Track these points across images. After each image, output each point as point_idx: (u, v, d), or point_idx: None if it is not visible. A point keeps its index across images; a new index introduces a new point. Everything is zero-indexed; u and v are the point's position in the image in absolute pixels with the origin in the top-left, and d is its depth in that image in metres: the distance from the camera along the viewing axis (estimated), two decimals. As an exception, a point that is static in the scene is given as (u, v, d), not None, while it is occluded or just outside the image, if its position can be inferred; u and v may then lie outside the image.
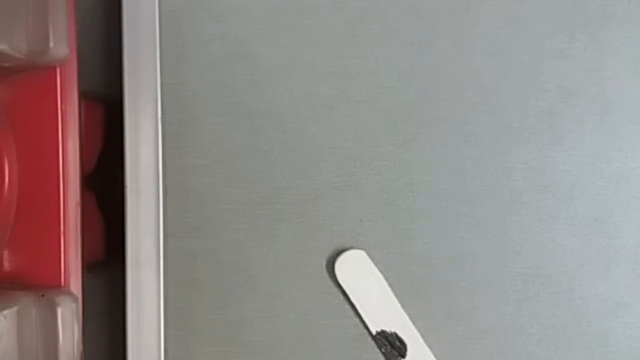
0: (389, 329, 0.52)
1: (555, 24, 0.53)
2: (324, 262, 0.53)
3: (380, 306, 0.52)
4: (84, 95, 0.52)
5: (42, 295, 0.48)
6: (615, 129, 0.52)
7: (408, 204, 0.53)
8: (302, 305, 0.53)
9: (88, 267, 0.52)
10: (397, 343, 0.51)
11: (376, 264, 0.52)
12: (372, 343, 0.52)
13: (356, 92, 0.53)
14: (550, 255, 0.53)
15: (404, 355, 0.52)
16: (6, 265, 0.50)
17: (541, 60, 0.53)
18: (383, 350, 0.52)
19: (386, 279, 0.52)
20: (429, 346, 0.52)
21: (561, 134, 0.53)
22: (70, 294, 0.49)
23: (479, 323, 0.53)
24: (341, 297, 0.53)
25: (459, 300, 0.53)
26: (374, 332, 0.52)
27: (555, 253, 0.53)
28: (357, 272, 0.52)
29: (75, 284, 0.50)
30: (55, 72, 0.49)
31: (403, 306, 0.52)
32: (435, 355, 0.52)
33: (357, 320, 0.53)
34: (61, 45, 0.48)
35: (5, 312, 0.45)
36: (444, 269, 0.53)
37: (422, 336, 0.52)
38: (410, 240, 0.53)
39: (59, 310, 0.47)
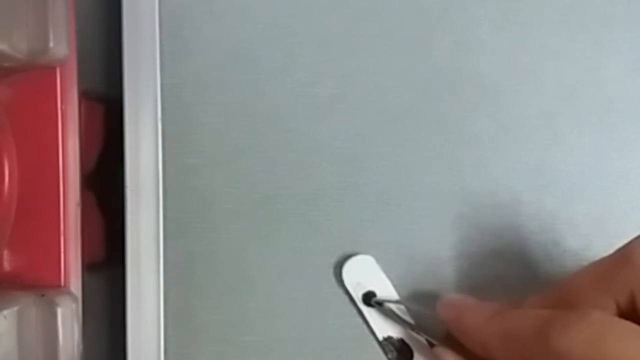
0: (395, 335, 0.52)
1: (555, 24, 0.53)
2: (324, 262, 0.53)
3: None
4: (84, 95, 0.52)
5: (42, 295, 0.48)
6: (615, 129, 0.53)
7: (408, 204, 0.53)
8: (302, 305, 0.53)
9: (88, 267, 0.52)
10: (404, 349, 0.51)
11: (376, 264, 0.52)
12: (372, 343, 0.52)
13: (356, 92, 0.53)
14: (550, 255, 0.53)
15: None
16: (6, 265, 0.50)
17: (541, 60, 0.53)
18: (390, 356, 0.51)
19: (386, 279, 0.52)
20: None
21: (561, 134, 0.53)
22: (70, 294, 0.49)
23: (479, 323, 0.53)
24: (341, 297, 0.53)
25: (459, 300, 0.53)
26: (380, 338, 0.52)
27: (555, 253, 0.53)
28: (364, 277, 0.52)
29: (75, 284, 0.50)
30: (55, 72, 0.49)
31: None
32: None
33: (357, 320, 0.53)
34: (61, 45, 0.48)
35: (5, 312, 0.45)
36: (444, 269, 0.53)
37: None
38: (410, 240, 0.53)
39: (59, 310, 0.47)
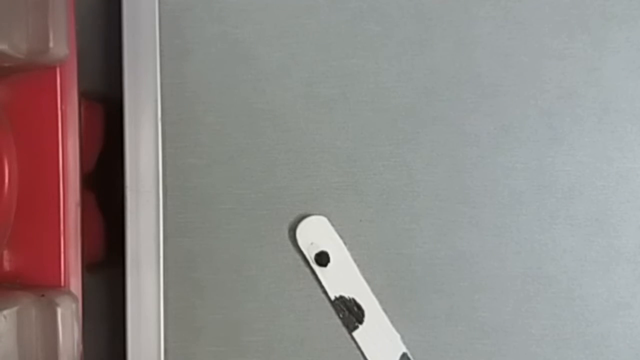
0: (347, 294, 0.52)
1: (555, 24, 0.53)
2: (324, 262, 0.53)
3: (339, 272, 0.52)
4: (84, 95, 0.52)
5: (42, 295, 0.48)
6: (615, 129, 0.52)
7: (408, 204, 0.53)
8: (301, 305, 0.53)
9: (88, 267, 0.52)
10: (355, 309, 0.51)
11: (376, 264, 0.52)
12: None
13: (356, 92, 0.53)
14: (550, 255, 0.53)
15: (361, 322, 0.52)
16: (6, 265, 0.50)
17: (541, 60, 0.53)
18: (341, 315, 0.52)
19: (386, 279, 0.52)
20: (430, 345, 0.52)
21: (561, 134, 0.53)
22: (70, 294, 0.49)
23: (479, 323, 0.53)
24: (341, 297, 0.53)
25: (459, 300, 0.53)
26: (332, 298, 0.52)
27: (555, 253, 0.53)
28: (318, 237, 0.52)
29: (75, 284, 0.50)
30: (55, 72, 0.49)
31: (402, 306, 0.52)
32: (437, 354, 0.52)
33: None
34: (61, 45, 0.48)
35: (5, 312, 0.45)
36: (444, 269, 0.53)
37: (423, 334, 0.52)
38: (410, 240, 0.53)
39: (59, 310, 0.47)
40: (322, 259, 0.51)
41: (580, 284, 0.52)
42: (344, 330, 0.53)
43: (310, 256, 0.52)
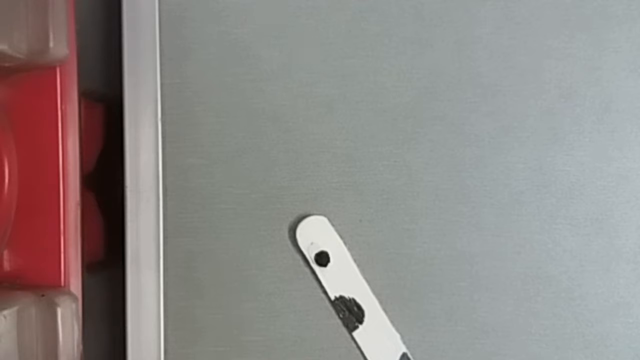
0: (347, 294, 0.52)
1: (555, 24, 0.53)
2: (324, 262, 0.53)
3: (339, 272, 0.52)
4: (84, 95, 0.52)
5: (42, 295, 0.48)
6: (615, 129, 0.52)
7: (408, 204, 0.53)
8: (301, 305, 0.53)
9: (88, 267, 0.52)
10: (355, 309, 0.51)
11: (376, 264, 0.52)
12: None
13: (356, 92, 0.53)
14: (550, 255, 0.53)
15: (361, 322, 0.52)
16: (6, 265, 0.50)
17: (541, 60, 0.53)
18: (341, 315, 0.52)
19: (386, 279, 0.52)
20: (430, 345, 0.52)
21: (561, 134, 0.53)
22: (70, 294, 0.49)
23: (479, 323, 0.53)
24: (341, 297, 0.53)
25: (459, 300, 0.53)
26: (332, 298, 0.52)
27: (555, 253, 0.53)
28: (318, 237, 0.52)
29: (75, 284, 0.50)
30: (55, 72, 0.49)
31: (402, 306, 0.52)
32: (437, 354, 0.52)
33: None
34: (61, 45, 0.48)
35: (5, 312, 0.45)
36: (444, 269, 0.53)
37: (422, 334, 0.52)
38: (410, 240, 0.53)
39: (59, 310, 0.47)
40: (322, 259, 0.51)
41: (580, 284, 0.52)
42: (344, 330, 0.53)
43: (310, 256, 0.52)
